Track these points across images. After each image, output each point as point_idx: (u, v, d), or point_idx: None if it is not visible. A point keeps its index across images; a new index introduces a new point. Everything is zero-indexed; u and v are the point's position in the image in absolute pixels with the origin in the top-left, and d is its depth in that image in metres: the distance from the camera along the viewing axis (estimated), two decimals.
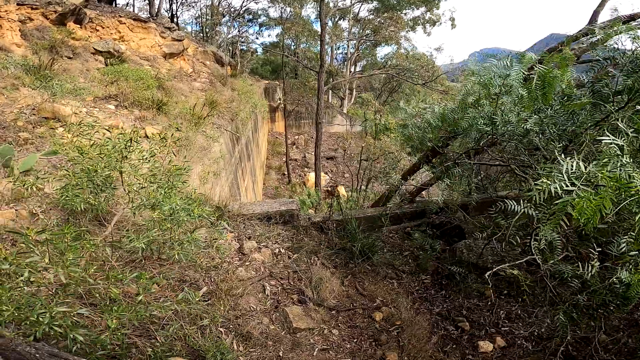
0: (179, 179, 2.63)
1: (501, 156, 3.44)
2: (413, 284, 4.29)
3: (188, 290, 2.79)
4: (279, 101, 26.17)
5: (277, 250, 4.01)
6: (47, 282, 1.64)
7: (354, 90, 31.54)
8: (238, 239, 3.98)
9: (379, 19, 22.56)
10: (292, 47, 24.13)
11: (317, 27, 23.09)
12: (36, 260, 1.65)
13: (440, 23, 22.04)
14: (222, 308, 2.86)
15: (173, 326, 2.33)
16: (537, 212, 2.24)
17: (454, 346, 3.30)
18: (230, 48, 22.78)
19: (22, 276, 1.61)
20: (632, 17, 4.72)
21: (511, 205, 2.32)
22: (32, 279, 1.61)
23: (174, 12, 19.84)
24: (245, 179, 12.95)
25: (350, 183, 21.95)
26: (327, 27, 25.72)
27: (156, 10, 13.65)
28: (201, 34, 22.16)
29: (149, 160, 2.68)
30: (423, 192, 7.95)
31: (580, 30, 5.28)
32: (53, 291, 1.66)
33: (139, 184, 2.52)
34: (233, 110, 11.97)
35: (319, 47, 27.10)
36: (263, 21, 24.21)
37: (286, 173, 20.83)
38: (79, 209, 2.36)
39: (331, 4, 23.35)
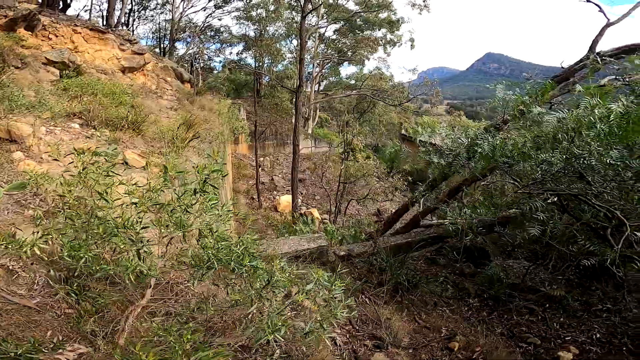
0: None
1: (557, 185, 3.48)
2: (464, 309, 4.16)
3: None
4: (243, 121, 25.47)
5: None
6: None
7: (318, 110, 31.99)
8: None
9: (344, 40, 23.42)
10: (255, 65, 23.90)
11: (283, 46, 23.28)
12: None
13: (401, 44, 23.40)
14: None
15: None
16: None
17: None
18: (191, 64, 21.86)
19: None
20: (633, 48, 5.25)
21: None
22: None
23: (129, 25, 18.58)
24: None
25: (322, 205, 21.72)
26: (293, 47, 26.11)
27: (115, 21, 12.60)
28: (157, 49, 20.99)
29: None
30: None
31: (581, 60, 5.76)
32: None
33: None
34: (208, 131, 11.23)
35: (282, 66, 27.31)
36: (225, 38, 23.75)
37: (255, 197, 19.95)
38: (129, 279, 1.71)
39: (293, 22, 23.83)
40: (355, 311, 2.80)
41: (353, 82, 27.60)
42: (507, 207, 5.18)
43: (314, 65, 23.40)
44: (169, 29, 19.97)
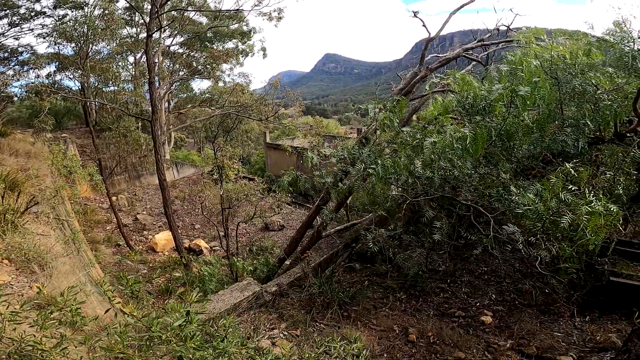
0: None
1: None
2: (398, 303, 4.80)
3: None
4: (85, 164, 20.76)
5: (283, 335, 3.48)
6: None
7: (172, 132, 29.22)
8: None
9: (194, 54, 22.09)
10: (80, 89, 19.79)
11: (119, 65, 20.13)
12: None
13: (254, 54, 23.82)
14: None
15: None
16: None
17: (470, 328, 4.07)
18: None
19: None
20: (449, 59, 7.04)
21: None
22: None
23: None
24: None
25: (206, 232, 20.12)
26: (129, 65, 22.88)
27: None
28: None
29: None
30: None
31: (416, 73, 7.30)
32: None
33: None
34: (39, 186, 8.73)
35: (117, 87, 23.54)
36: (28, 59, 18.63)
37: (122, 244, 16.72)
38: None
39: (129, 35, 20.96)
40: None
41: (208, 95, 26.43)
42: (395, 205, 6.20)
43: (160, 83, 21.20)
44: None
